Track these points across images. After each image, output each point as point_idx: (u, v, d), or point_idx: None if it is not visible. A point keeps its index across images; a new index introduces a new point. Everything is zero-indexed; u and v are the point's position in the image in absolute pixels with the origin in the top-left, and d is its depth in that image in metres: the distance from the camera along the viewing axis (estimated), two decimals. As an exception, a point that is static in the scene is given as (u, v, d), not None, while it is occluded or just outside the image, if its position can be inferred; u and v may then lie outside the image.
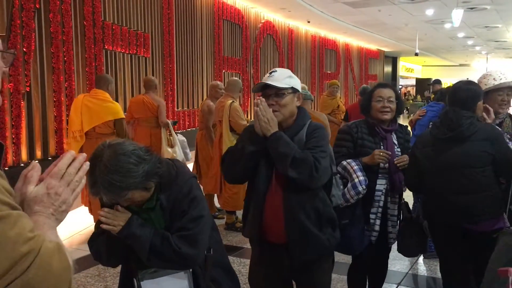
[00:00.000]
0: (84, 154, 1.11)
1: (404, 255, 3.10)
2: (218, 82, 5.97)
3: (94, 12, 6.86)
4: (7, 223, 0.88)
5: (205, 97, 10.04)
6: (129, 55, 7.72)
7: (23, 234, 0.89)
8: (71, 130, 4.82)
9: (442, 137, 2.63)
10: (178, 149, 5.70)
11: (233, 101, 5.05)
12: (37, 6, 5.89)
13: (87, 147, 4.62)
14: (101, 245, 1.82)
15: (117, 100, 6.66)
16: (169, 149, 5.59)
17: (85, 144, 4.72)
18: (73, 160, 1.08)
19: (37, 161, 1.14)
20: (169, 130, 5.74)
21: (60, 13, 6.23)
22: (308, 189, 2.17)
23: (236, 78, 6.21)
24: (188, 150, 6.01)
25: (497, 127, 2.84)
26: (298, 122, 2.24)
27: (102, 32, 7.04)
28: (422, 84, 29.94)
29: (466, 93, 2.66)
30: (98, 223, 1.82)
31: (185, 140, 6.04)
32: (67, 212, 1.07)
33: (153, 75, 8.31)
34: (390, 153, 2.71)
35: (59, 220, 1.05)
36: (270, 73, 2.24)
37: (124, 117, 4.95)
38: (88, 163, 1.11)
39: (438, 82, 8.57)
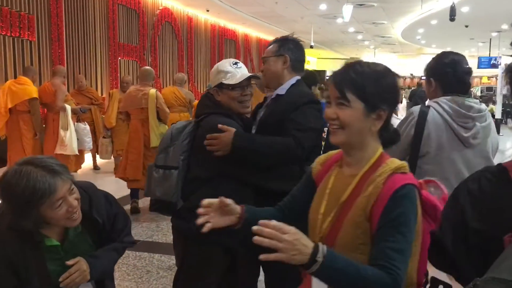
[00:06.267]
0: None
1: None
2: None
3: (-33, -11, 6.18)
4: None
5: (99, 84, 9.57)
6: (11, 38, 7.08)
7: None
8: None
9: None
10: (71, 134, 6.11)
11: (156, 90, 5.21)
12: None
13: (11, 121, 5.94)
14: None
15: (-3, 87, 6.16)
16: (62, 132, 6.10)
17: (9, 119, 5.92)
18: None
19: None
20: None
21: None
22: None
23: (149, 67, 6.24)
24: (87, 138, 6.54)
25: None
26: None
27: (-22, 11, 6.37)
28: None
29: None
30: None
31: (87, 128, 6.59)
32: None
33: (39, 60, 7.72)
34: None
35: None
36: (237, 63, 2.21)
37: (37, 97, 5.91)
38: None
39: None
